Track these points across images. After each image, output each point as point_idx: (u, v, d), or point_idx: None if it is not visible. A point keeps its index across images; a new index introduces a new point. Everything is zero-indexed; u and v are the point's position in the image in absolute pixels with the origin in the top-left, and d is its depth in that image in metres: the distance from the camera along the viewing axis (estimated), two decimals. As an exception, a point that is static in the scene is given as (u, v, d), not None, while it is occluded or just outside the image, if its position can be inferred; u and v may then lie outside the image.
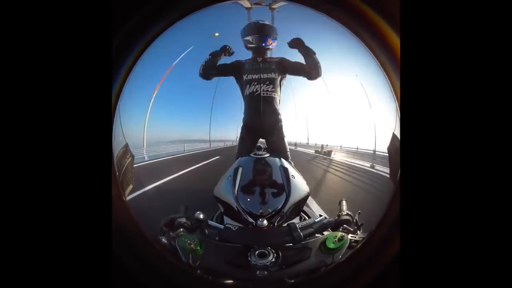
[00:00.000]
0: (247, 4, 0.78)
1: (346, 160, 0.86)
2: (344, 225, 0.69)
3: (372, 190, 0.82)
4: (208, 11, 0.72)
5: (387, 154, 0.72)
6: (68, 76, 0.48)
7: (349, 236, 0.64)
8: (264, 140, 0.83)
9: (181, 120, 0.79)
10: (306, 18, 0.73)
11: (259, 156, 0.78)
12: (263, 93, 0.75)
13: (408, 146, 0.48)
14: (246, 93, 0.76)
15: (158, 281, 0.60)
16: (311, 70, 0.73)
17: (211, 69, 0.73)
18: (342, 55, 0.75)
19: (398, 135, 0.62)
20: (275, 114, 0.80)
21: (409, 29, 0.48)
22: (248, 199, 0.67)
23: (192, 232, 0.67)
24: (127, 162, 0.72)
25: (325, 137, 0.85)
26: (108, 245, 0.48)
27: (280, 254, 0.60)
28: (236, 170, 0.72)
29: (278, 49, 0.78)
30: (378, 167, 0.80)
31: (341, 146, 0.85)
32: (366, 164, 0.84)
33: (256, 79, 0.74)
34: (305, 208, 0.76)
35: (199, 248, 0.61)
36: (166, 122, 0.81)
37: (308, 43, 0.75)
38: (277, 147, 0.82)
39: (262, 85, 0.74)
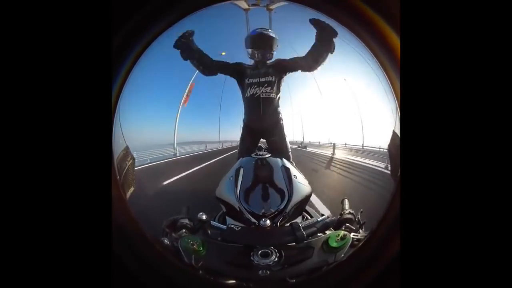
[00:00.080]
0: (245, 5, 0.78)
1: (345, 158, 0.86)
2: (347, 224, 0.69)
3: (372, 189, 0.83)
4: (208, 11, 0.72)
5: (387, 152, 0.72)
6: (68, 76, 0.47)
7: (352, 234, 0.65)
8: (265, 140, 0.83)
9: (187, 121, 0.80)
10: (305, 18, 0.74)
11: (260, 157, 0.78)
12: (262, 95, 0.78)
13: (408, 145, 0.48)
14: (247, 95, 0.79)
15: (159, 281, 0.60)
16: (311, 65, 0.75)
17: (211, 66, 0.76)
18: (342, 55, 0.75)
19: (398, 133, 0.62)
20: (275, 114, 0.81)
21: (409, 29, 0.48)
22: (250, 200, 0.67)
23: (194, 233, 0.67)
24: (128, 163, 0.72)
25: (324, 136, 0.85)
26: (108, 245, 0.48)
27: (283, 253, 0.60)
28: (237, 171, 0.72)
29: (289, 44, 0.81)
30: (378, 165, 0.80)
31: (335, 144, 0.85)
32: (367, 162, 0.85)
33: (256, 82, 0.78)
34: (307, 207, 0.76)
35: (201, 249, 0.61)
36: (167, 122, 0.80)
37: (308, 43, 0.75)
38: (278, 147, 0.82)
39: (261, 87, 0.78)
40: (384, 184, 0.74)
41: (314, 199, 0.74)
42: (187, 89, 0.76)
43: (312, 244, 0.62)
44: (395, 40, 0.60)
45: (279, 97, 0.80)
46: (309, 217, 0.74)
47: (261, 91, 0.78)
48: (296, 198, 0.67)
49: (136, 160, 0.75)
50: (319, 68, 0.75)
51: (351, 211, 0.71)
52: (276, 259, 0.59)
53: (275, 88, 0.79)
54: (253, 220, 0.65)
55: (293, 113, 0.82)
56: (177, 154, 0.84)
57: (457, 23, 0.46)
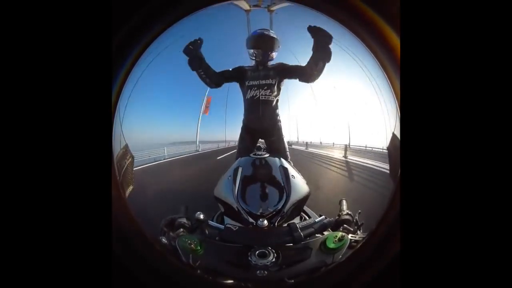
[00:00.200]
0: (246, 6, 0.79)
1: (345, 158, 0.86)
2: (345, 225, 0.69)
3: (372, 189, 0.82)
4: (208, 11, 0.72)
5: (386, 151, 0.72)
6: (68, 76, 0.48)
7: (349, 236, 0.64)
8: (263, 140, 0.84)
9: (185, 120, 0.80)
10: (306, 18, 0.73)
11: (258, 156, 0.78)
12: (262, 97, 0.79)
13: (408, 145, 0.48)
14: (247, 97, 0.80)
15: (158, 281, 0.60)
16: (309, 75, 0.75)
17: (217, 78, 0.77)
18: (342, 55, 0.75)
19: (398, 134, 0.62)
20: (274, 115, 0.82)
21: (409, 29, 0.48)
22: (248, 199, 0.67)
23: (192, 232, 0.67)
24: (127, 162, 0.72)
25: (325, 136, 0.85)
26: (108, 245, 0.48)
27: (281, 254, 0.60)
28: (236, 170, 0.72)
29: (286, 50, 0.82)
30: (378, 164, 0.80)
31: (334, 144, 0.85)
32: (366, 162, 0.85)
33: (256, 84, 0.79)
34: (305, 208, 0.75)
35: (199, 248, 0.61)
36: (168, 123, 0.81)
37: (308, 44, 0.75)
38: (277, 147, 0.82)
39: (261, 90, 0.79)
40: (383, 184, 0.74)
41: (312, 199, 0.74)
42: (205, 101, 0.77)
43: (310, 245, 0.62)
44: (395, 40, 0.60)
45: (278, 99, 0.81)
46: (307, 218, 0.74)
47: (260, 94, 0.79)
48: (294, 198, 0.67)
49: (135, 159, 0.75)
50: (318, 79, 0.75)
51: (349, 212, 0.71)
52: (274, 259, 0.59)
53: (274, 90, 0.79)
54: (250, 220, 0.65)
55: (292, 114, 0.82)
56: (199, 150, 0.86)
57: (457, 23, 0.46)
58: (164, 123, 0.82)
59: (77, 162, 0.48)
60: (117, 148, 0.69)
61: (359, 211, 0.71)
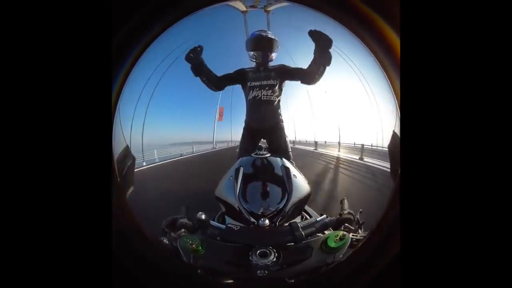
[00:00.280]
0: (243, 7, 0.79)
1: (346, 157, 0.86)
2: (346, 224, 0.69)
3: (372, 188, 0.83)
4: (208, 11, 0.72)
5: (387, 150, 0.72)
6: (68, 76, 0.47)
7: (350, 235, 0.64)
8: (265, 140, 0.84)
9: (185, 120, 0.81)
10: (304, 18, 0.74)
11: (260, 156, 0.78)
12: (263, 97, 0.80)
13: (408, 145, 0.48)
14: (249, 98, 0.81)
15: (159, 281, 0.60)
16: (310, 78, 0.77)
17: (218, 82, 0.79)
18: (342, 55, 0.75)
19: (398, 133, 0.62)
20: (275, 115, 0.83)
21: (409, 29, 0.48)
22: (250, 199, 0.67)
23: (193, 233, 0.67)
24: (128, 163, 0.72)
25: (325, 135, 0.86)
26: (108, 245, 0.48)
27: (282, 253, 0.60)
28: (237, 170, 0.72)
29: (282, 51, 0.83)
30: (378, 163, 0.81)
31: (338, 143, 0.86)
32: (366, 161, 0.85)
33: (258, 85, 0.80)
34: (306, 207, 0.76)
35: (200, 248, 0.61)
36: (167, 122, 0.81)
37: (307, 43, 0.76)
38: (278, 147, 0.82)
39: (263, 90, 0.80)
40: (383, 184, 0.74)
41: (313, 198, 0.74)
42: (218, 110, 0.80)
43: (311, 244, 0.62)
44: (395, 40, 0.60)
45: (279, 99, 0.82)
46: (308, 217, 0.74)
47: (262, 94, 0.80)
48: (295, 198, 0.67)
49: (136, 160, 0.75)
50: (318, 81, 0.76)
51: (350, 211, 0.71)
52: (275, 259, 0.59)
53: (276, 91, 0.81)
54: (252, 219, 0.65)
55: (292, 114, 0.83)
56: (216, 147, 0.88)
57: (457, 23, 0.46)
58: (164, 123, 0.82)
59: (78, 162, 0.47)
60: (117, 149, 0.69)
61: (360, 210, 0.71)
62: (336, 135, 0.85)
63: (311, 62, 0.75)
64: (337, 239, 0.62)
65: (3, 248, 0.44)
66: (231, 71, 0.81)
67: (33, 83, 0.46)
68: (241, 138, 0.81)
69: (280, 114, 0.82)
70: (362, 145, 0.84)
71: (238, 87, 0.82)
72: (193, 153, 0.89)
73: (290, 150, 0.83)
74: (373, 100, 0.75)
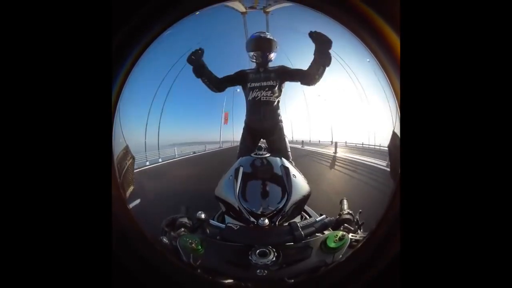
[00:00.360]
0: (242, 9, 0.80)
1: (346, 157, 0.87)
2: (345, 224, 0.69)
3: (372, 188, 0.83)
4: (208, 11, 0.72)
5: (387, 150, 0.72)
6: (68, 76, 0.48)
7: (350, 235, 0.64)
8: (265, 140, 0.84)
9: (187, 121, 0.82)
10: (303, 19, 0.74)
11: (259, 156, 0.79)
12: (263, 98, 0.82)
13: (408, 145, 0.48)
14: (249, 98, 0.83)
15: (158, 281, 0.60)
16: (310, 79, 0.78)
17: (219, 84, 0.81)
18: (342, 55, 0.75)
19: (398, 133, 0.62)
20: (275, 115, 0.83)
21: (409, 29, 0.48)
22: (249, 198, 0.67)
23: (193, 232, 0.67)
24: (127, 163, 0.72)
25: (325, 135, 0.86)
26: (108, 246, 0.48)
27: (281, 253, 0.60)
28: (237, 170, 0.72)
29: (282, 50, 0.85)
30: (378, 162, 0.81)
31: (336, 143, 0.86)
32: (366, 160, 0.85)
33: (258, 86, 0.82)
34: (306, 207, 0.76)
35: (200, 248, 0.61)
36: (167, 122, 0.81)
37: (306, 44, 0.76)
38: (278, 147, 0.83)
39: (262, 91, 0.82)
40: (383, 184, 0.74)
41: (312, 198, 0.74)
42: (224, 116, 0.82)
43: (310, 244, 0.62)
44: (395, 40, 0.60)
45: (279, 100, 0.82)
46: (308, 217, 0.74)
47: (262, 95, 0.81)
48: (295, 198, 0.67)
49: (136, 160, 0.75)
50: (318, 82, 0.77)
51: (350, 212, 0.71)
52: (274, 258, 0.59)
53: (276, 91, 0.82)
54: (251, 219, 0.65)
55: (293, 113, 0.83)
56: (222, 146, 0.89)
57: (457, 22, 0.46)
58: (164, 123, 0.82)
59: (78, 162, 0.47)
60: (117, 149, 0.69)
61: (360, 210, 0.71)
62: (336, 135, 0.85)
63: (311, 63, 0.76)
64: (336, 239, 0.62)
65: (3, 248, 0.44)
66: (232, 73, 0.82)
67: (33, 83, 0.46)
68: (241, 138, 0.81)
69: (279, 115, 0.83)
70: (362, 144, 0.84)
71: (241, 91, 0.84)
72: (205, 151, 0.92)
73: (289, 150, 0.84)
74: (373, 100, 0.75)
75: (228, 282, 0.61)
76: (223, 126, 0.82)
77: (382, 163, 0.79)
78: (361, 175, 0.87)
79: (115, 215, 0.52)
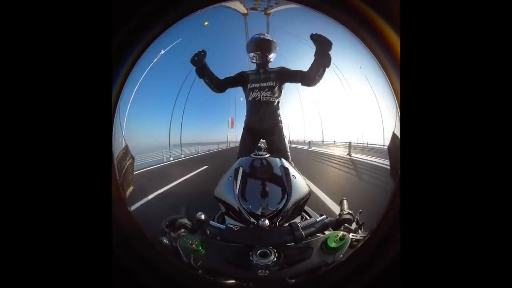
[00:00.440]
0: (243, 10, 0.81)
1: (346, 157, 0.87)
2: (345, 224, 0.69)
3: (372, 187, 0.83)
4: (208, 11, 0.72)
5: (387, 151, 0.72)
6: (68, 76, 0.48)
7: (350, 235, 0.64)
8: (264, 140, 0.84)
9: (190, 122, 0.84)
10: (303, 19, 0.75)
11: (259, 156, 0.79)
12: (263, 99, 0.83)
13: (408, 145, 0.48)
14: (249, 99, 0.84)
15: (159, 281, 0.60)
16: (310, 80, 0.80)
17: (220, 85, 0.83)
18: (342, 55, 0.75)
19: (398, 133, 0.62)
20: (275, 115, 0.84)
21: (409, 28, 0.48)
22: (249, 199, 0.67)
23: (193, 233, 0.67)
24: (127, 163, 0.72)
25: (325, 135, 0.86)
26: (108, 246, 0.48)
27: (282, 253, 0.60)
28: (236, 171, 0.72)
29: (280, 52, 0.86)
30: (379, 161, 0.81)
31: (335, 142, 0.87)
32: (367, 159, 0.85)
33: (258, 87, 0.83)
34: (306, 207, 0.76)
35: (200, 249, 0.61)
36: (167, 122, 0.82)
37: (306, 45, 0.77)
38: (277, 147, 0.83)
39: (262, 92, 0.83)
40: (384, 183, 0.74)
41: (313, 198, 0.74)
42: (230, 121, 0.85)
43: (311, 244, 0.62)
44: (395, 40, 0.60)
45: (279, 101, 0.83)
46: (308, 217, 0.74)
47: (261, 95, 0.83)
48: (294, 198, 0.67)
49: (135, 160, 0.75)
50: (318, 83, 0.78)
51: (350, 212, 0.71)
52: (275, 259, 0.59)
53: (275, 92, 0.83)
54: (252, 220, 0.65)
55: (292, 113, 0.84)
56: (229, 146, 0.91)
57: (457, 22, 0.46)
58: (164, 123, 0.83)
59: (78, 162, 0.47)
60: (117, 149, 0.69)
61: (360, 210, 0.71)
62: (336, 135, 0.85)
63: (311, 64, 0.77)
64: (337, 239, 0.62)
65: (3, 248, 0.44)
66: (232, 74, 0.84)
67: (33, 83, 0.46)
68: (241, 139, 0.82)
69: (279, 115, 0.84)
70: (362, 144, 0.84)
71: (242, 95, 0.85)
72: (218, 149, 0.95)
73: (289, 150, 0.84)
74: (373, 100, 0.75)
75: (229, 283, 0.61)
76: (229, 130, 0.84)
77: (381, 162, 0.79)
78: (360, 174, 0.87)
79: (115, 215, 0.52)
